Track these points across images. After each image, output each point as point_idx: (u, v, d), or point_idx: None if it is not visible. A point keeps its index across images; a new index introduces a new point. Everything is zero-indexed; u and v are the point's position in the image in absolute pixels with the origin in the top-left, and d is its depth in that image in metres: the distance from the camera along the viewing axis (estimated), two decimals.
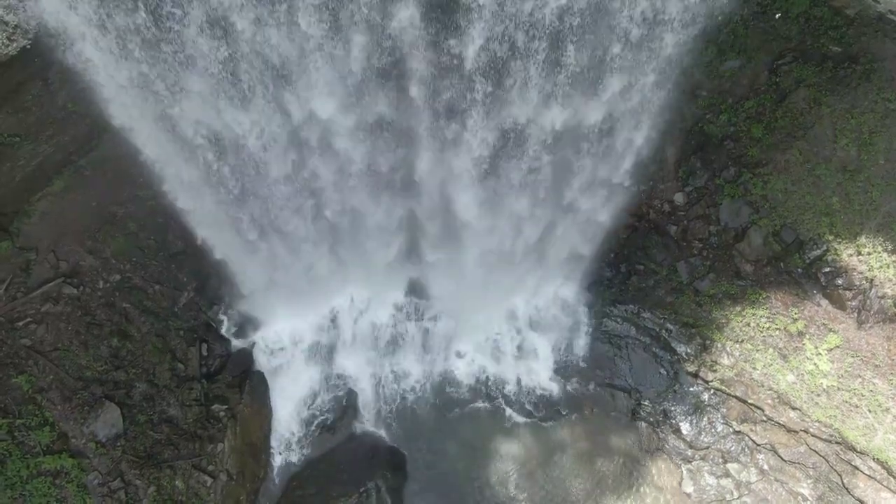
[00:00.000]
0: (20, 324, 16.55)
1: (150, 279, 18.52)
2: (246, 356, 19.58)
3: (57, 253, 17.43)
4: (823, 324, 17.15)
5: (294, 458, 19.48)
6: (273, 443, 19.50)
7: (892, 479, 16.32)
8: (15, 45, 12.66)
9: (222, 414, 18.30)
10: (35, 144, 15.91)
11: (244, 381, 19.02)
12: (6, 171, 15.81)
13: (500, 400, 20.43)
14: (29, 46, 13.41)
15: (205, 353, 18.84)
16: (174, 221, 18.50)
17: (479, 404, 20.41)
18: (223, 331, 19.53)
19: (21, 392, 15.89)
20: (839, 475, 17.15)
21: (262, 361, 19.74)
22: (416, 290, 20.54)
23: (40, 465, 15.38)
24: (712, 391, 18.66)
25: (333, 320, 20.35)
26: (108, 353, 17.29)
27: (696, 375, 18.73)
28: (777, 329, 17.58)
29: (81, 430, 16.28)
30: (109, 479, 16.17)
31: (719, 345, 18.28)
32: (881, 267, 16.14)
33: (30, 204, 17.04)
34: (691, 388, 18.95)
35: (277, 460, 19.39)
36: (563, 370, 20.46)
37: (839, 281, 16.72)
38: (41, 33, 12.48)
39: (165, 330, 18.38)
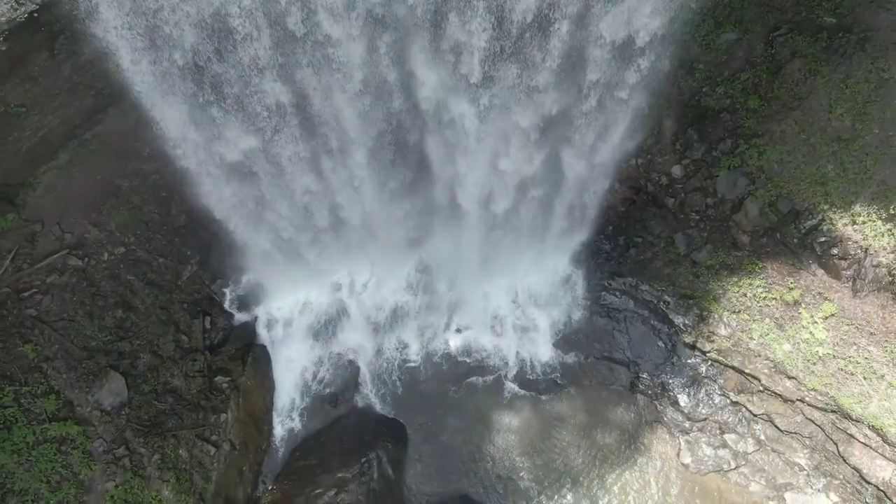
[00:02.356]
0: (26, 294, 16.80)
1: (154, 252, 18.77)
2: (248, 330, 19.86)
3: (62, 225, 17.67)
4: (819, 293, 17.35)
5: (296, 429, 19.73)
6: (275, 414, 19.77)
7: (886, 446, 16.50)
8: (23, 9, 12.88)
9: (225, 385, 18.55)
10: (41, 116, 16.15)
11: (247, 353, 19.30)
12: (12, 141, 16.06)
13: (500, 373, 20.63)
14: (36, 14, 13.68)
15: (208, 326, 19.09)
16: (178, 195, 18.81)
17: (479, 377, 20.61)
18: (226, 304, 19.79)
19: (27, 360, 16.12)
20: (835, 444, 17.33)
21: (264, 335, 20.02)
22: (417, 265, 20.80)
23: (46, 431, 15.61)
24: (710, 363, 18.85)
25: (335, 295, 20.61)
26: (112, 323, 17.53)
27: (693, 347, 18.92)
28: (773, 299, 17.78)
29: (86, 399, 16.51)
30: (114, 447, 16.40)
31: (716, 315, 18.47)
32: (876, 235, 16.33)
33: (35, 177, 17.30)
34: (689, 361, 19.14)
35: (280, 432, 19.65)
36: (562, 343, 20.65)
37: (834, 250, 16.91)
38: None
39: (169, 302, 18.63)
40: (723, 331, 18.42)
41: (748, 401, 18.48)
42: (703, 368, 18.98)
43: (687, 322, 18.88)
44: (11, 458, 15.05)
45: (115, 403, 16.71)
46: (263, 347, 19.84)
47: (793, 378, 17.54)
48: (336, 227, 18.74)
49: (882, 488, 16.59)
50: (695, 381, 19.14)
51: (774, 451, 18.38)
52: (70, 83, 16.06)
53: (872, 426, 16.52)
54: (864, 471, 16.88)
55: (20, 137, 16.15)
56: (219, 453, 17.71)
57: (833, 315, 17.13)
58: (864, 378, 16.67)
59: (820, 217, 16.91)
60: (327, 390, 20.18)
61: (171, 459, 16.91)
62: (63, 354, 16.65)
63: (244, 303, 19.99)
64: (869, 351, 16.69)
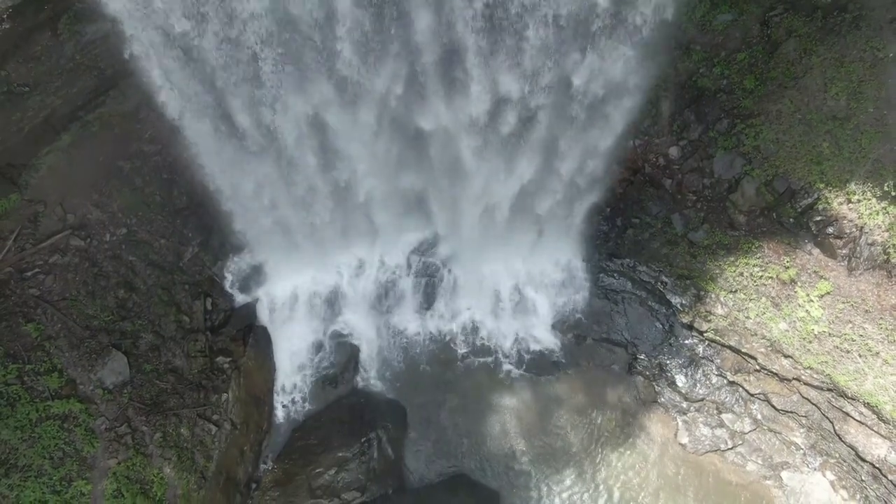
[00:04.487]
0: (29, 274, 16.93)
1: (156, 233, 18.89)
2: (249, 311, 19.99)
3: (64, 206, 17.80)
4: (815, 271, 17.50)
5: (297, 410, 19.89)
6: (276, 395, 19.92)
7: (881, 423, 16.63)
8: None
9: (226, 366, 18.69)
10: (44, 96, 16.27)
11: (247, 334, 19.46)
12: (15, 121, 16.19)
13: (499, 355, 20.80)
14: None
15: (209, 307, 19.21)
16: (179, 177, 18.95)
17: (478, 359, 20.78)
18: (227, 286, 19.90)
19: (30, 339, 16.25)
20: (831, 422, 17.46)
21: (265, 316, 20.13)
22: (418, 247, 20.93)
23: (49, 409, 15.75)
24: (707, 343, 18.99)
25: (336, 277, 20.73)
26: (114, 303, 17.65)
27: (690, 327, 19.06)
28: (769, 278, 17.92)
29: (89, 377, 16.64)
30: (116, 425, 16.54)
31: (713, 295, 18.62)
32: (871, 214, 16.47)
33: (38, 157, 17.39)
34: (686, 341, 19.29)
35: (281, 412, 19.82)
36: (560, 325, 20.80)
37: (830, 229, 17.06)
38: None
39: (171, 283, 18.76)
40: (720, 310, 18.57)
41: (745, 380, 18.62)
42: (700, 349, 19.13)
43: (684, 302, 19.04)
44: (15, 435, 15.20)
45: (118, 382, 16.85)
46: (264, 329, 19.98)
47: (789, 357, 17.69)
48: (337, 208, 18.87)
49: (877, 465, 16.74)
50: (692, 362, 19.28)
51: (771, 431, 18.52)
52: (73, 63, 16.20)
53: (868, 404, 16.66)
54: (860, 448, 17.02)
55: (23, 118, 16.28)
56: (220, 432, 17.85)
57: (828, 293, 17.28)
58: (860, 356, 16.81)
59: (815, 196, 17.05)
60: (328, 371, 20.31)
61: (172, 438, 17.05)
62: (66, 333, 16.78)
63: (245, 284, 20.11)
64: (864, 328, 16.83)
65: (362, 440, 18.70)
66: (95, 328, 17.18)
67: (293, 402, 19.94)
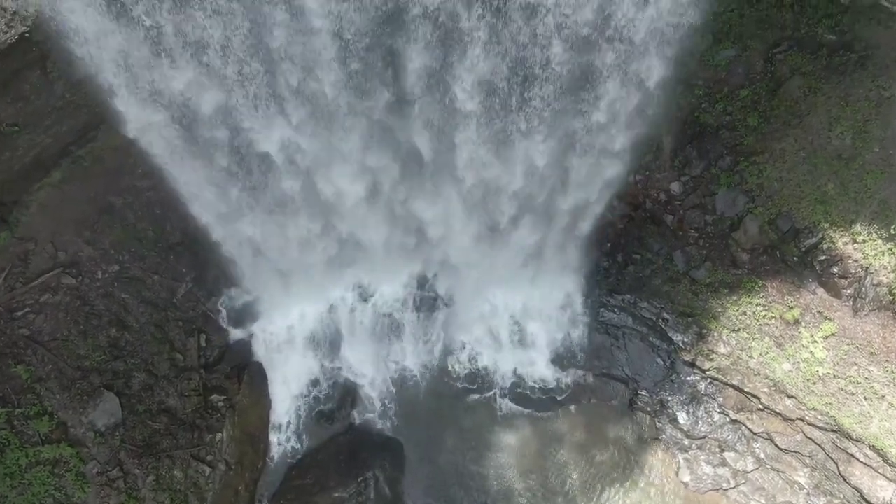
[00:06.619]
0: (19, 314, 16.64)
1: (149, 270, 18.57)
2: (244, 347, 19.65)
3: (55, 243, 17.49)
4: (819, 312, 17.24)
5: (293, 448, 19.53)
6: (272, 433, 19.58)
7: (887, 466, 16.41)
8: (13, 31, 12.72)
9: (221, 404, 18.38)
10: (34, 134, 15.97)
11: (243, 371, 19.11)
12: (5, 160, 15.89)
13: (498, 391, 20.43)
14: (28, 34, 13.53)
15: (203, 344, 18.92)
16: (172, 212, 18.64)
17: (477, 395, 20.43)
18: (221, 322, 19.57)
19: (20, 381, 16.00)
20: (835, 463, 17.23)
21: (260, 352, 19.80)
22: (415, 281, 20.65)
23: (39, 454, 15.49)
24: (709, 381, 18.74)
25: (332, 311, 20.39)
26: (106, 343, 17.36)
27: (692, 364, 18.80)
28: (773, 317, 17.67)
29: (80, 420, 16.37)
30: (108, 469, 16.27)
31: (715, 333, 18.36)
32: (876, 255, 16.21)
33: (29, 194, 17.14)
34: (688, 378, 19.02)
35: (276, 450, 19.44)
36: (560, 361, 20.50)
37: (834, 269, 16.80)
38: (39, 19, 12.55)
39: (164, 321, 18.45)
40: (722, 349, 18.32)
41: (748, 419, 18.37)
42: (702, 386, 18.87)
43: (686, 340, 18.78)
44: (4, 482, 14.96)
45: (110, 424, 16.57)
46: (259, 365, 19.66)
47: (793, 397, 17.44)
48: (333, 242, 18.59)
49: None
50: (694, 399, 19.02)
51: (774, 470, 18.26)
52: (63, 101, 15.87)
53: (873, 446, 16.42)
54: (865, 490, 16.77)
55: (13, 157, 15.99)
56: (214, 473, 17.55)
57: (833, 334, 17.03)
58: (865, 398, 16.57)
59: (820, 235, 16.79)
60: (324, 407, 19.97)
61: (165, 480, 16.78)
62: (56, 375, 16.52)
63: (240, 320, 19.75)
64: (869, 371, 16.59)
65: (359, 480, 18.37)
66: (87, 369, 16.90)
67: (289, 439, 19.59)
